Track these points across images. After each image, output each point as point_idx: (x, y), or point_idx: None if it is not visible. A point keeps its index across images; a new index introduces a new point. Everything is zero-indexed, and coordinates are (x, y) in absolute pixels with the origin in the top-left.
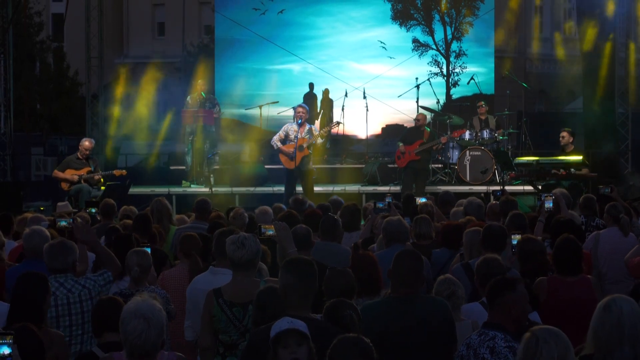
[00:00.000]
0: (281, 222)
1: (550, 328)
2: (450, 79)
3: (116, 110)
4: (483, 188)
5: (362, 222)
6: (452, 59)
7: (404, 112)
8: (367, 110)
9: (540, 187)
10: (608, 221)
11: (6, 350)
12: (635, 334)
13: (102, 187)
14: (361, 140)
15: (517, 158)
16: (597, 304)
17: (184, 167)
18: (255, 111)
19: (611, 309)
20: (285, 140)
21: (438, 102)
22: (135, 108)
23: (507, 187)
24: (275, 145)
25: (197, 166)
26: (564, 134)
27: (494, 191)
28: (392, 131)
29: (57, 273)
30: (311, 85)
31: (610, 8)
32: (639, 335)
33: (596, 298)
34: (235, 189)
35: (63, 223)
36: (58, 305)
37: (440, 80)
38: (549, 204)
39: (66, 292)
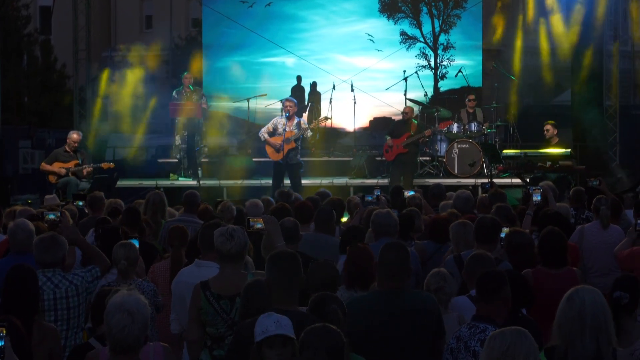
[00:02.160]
0: (270, 216)
1: (511, 328)
2: (438, 72)
3: (104, 103)
4: (471, 181)
5: (347, 216)
6: (439, 51)
7: (392, 104)
8: (355, 103)
9: (528, 180)
10: (594, 214)
11: None
12: (597, 325)
13: (90, 180)
14: (349, 133)
15: (504, 151)
16: None
17: (172, 160)
18: (243, 104)
19: (573, 300)
20: (273, 133)
21: (426, 94)
22: (123, 101)
23: (495, 180)
24: (262, 137)
25: (185, 159)
26: (548, 127)
27: (482, 184)
28: (380, 124)
29: (45, 267)
30: (299, 78)
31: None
32: (600, 326)
33: None
34: (223, 182)
35: (51, 216)
36: (44, 300)
37: (428, 73)
38: (536, 197)
39: (53, 287)
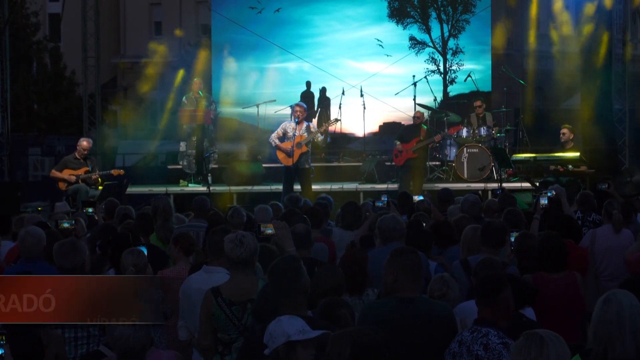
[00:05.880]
0: (280, 221)
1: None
2: (447, 77)
3: (113, 110)
4: (481, 185)
5: None
6: (448, 56)
7: (401, 110)
8: (365, 108)
9: (537, 184)
10: (605, 218)
11: None
12: (636, 326)
13: (100, 187)
14: (358, 138)
15: (514, 155)
16: (583, 300)
17: (181, 167)
18: (252, 110)
19: (611, 303)
20: (283, 138)
21: (435, 99)
22: (133, 107)
23: (504, 184)
24: (273, 143)
25: (195, 165)
26: (565, 130)
27: (493, 190)
28: (389, 129)
29: (66, 273)
30: (308, 84)
31: (608, 3)
32: (639, 328)
33: (582, 294)
34: (233, 188)
35: (66, 224)
36: None
37: (437, 77)
38: (544, 201)
39: None
